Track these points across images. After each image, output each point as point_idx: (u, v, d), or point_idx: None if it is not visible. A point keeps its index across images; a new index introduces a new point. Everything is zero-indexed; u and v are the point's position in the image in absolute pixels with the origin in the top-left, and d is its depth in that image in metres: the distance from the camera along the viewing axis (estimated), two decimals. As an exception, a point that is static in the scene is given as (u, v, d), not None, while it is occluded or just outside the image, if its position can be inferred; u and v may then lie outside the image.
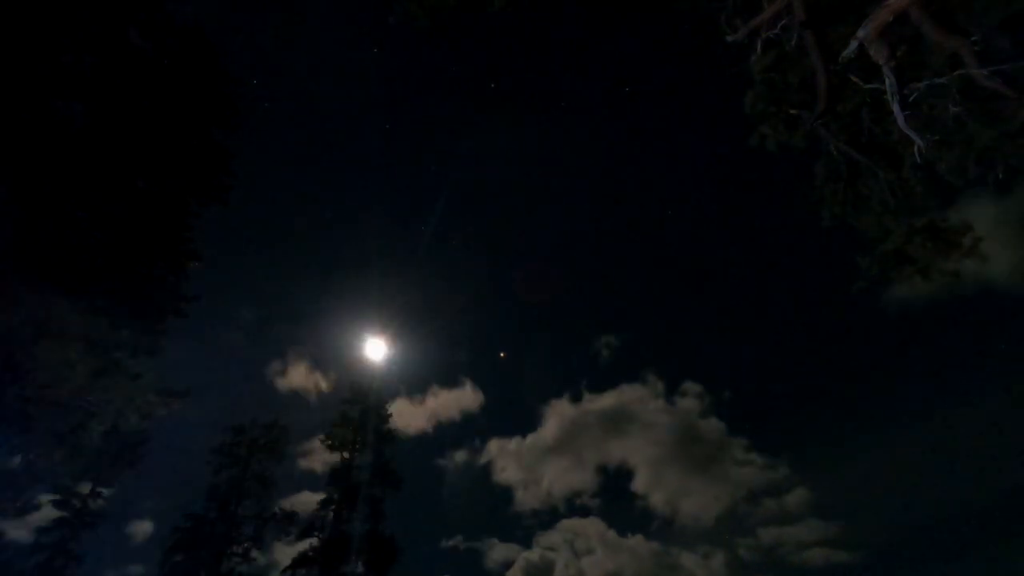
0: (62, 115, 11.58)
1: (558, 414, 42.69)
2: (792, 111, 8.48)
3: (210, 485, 23.32)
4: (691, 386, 42.66)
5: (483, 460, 40.30)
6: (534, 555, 32.65)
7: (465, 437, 42.00)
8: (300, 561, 20.99)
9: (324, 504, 22.16)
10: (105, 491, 22.08)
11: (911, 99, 6.65)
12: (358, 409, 24.21)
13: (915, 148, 6.98)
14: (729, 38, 8.18)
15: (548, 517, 38.57)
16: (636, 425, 42.62)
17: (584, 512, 37.01)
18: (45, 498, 20.52)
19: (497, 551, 33.69)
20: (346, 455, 23.11)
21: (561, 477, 39.49)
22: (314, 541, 21.39)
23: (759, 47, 8.13)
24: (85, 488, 21.64)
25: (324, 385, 37.57)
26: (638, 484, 39.34)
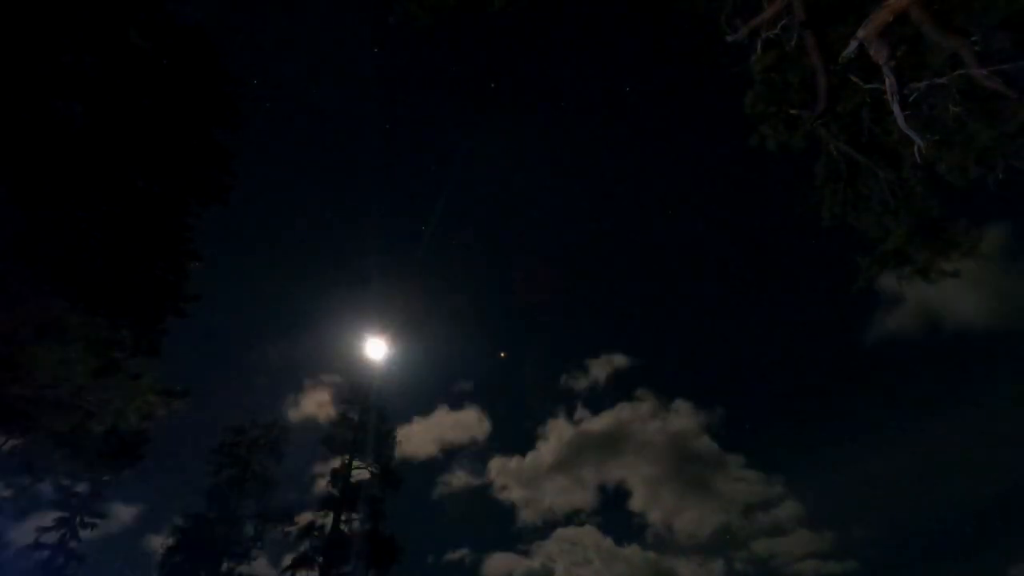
0: (62, 115, 11.57)
1: (556, 434, 43.10)
2: (792, 111, 8.47)
3: (210, 485, 23.35)
4: (683, 404, 43.55)
5: (484, 479, 40.54)
6: (534, 563, 32.92)
7: (466, 457, 42.26)
8: (300, 561, 20.98)
9: (324, 504, 22.17)
10: (105, 491, 22.10)
11: (911, 99, 6.64)
12: (358, 409, 24.20)
13: (915, 148, 6.97)
14: (729, 38, 8.16)
15: (547, 531, 38.89)
16: (633, 444, 43.11)
17: (581, 524, 37.43)
18: (45, 498, 20.56)
19: (496, 560, 33.88)
20: (346, 456, 23.10)
21: (560, 495, 40.07)
22: (314, 541, 21.39)
23: (759, 47, 8.12)
24: (85, 488, 21.67)
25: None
26: (635, 502, 40.39)
